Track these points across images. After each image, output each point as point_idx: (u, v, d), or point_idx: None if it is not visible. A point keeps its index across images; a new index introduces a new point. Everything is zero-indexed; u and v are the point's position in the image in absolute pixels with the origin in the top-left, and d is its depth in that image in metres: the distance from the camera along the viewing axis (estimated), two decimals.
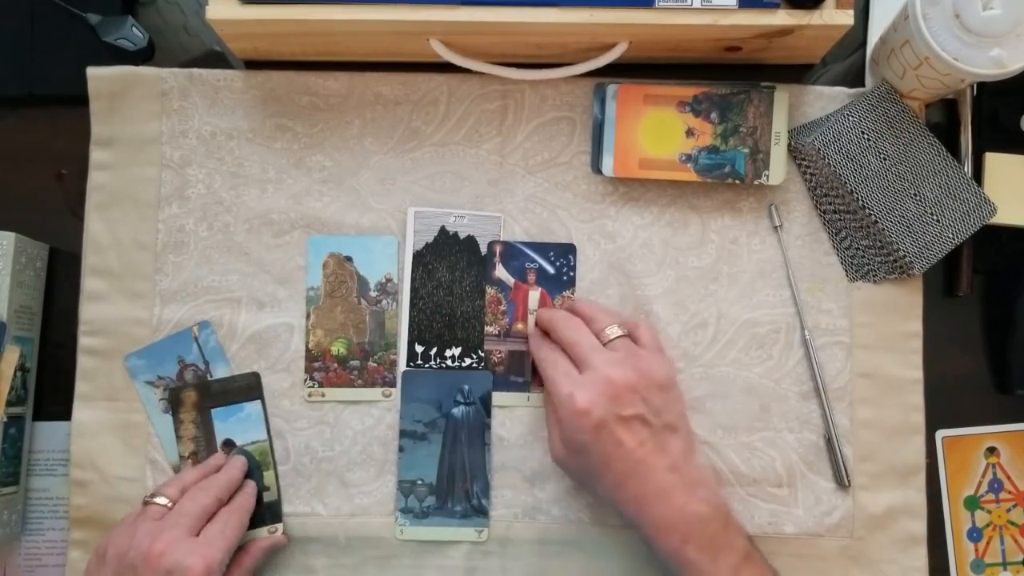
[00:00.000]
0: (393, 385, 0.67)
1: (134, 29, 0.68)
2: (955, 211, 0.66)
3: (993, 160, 0.68)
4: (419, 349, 0.67)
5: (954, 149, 0.68)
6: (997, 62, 0.59)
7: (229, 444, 0.66)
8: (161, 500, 0.60)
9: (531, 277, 0.68)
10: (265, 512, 0.65)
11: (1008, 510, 0.69)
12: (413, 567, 0.66)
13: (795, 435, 0.67)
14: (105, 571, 0.57)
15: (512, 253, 0.68)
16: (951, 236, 0.65)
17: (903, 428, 0.67)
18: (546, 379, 0.61)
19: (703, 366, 0.67)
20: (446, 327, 0.68)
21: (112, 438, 0.66)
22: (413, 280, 0.68)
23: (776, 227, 0.67)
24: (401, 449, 0.67)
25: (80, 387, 0.67)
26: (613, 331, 0.61)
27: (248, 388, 0.67)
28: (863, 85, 0.70)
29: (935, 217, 0.65)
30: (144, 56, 0.68)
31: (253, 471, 0.65)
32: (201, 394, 0.66)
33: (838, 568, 0.66)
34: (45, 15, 0.69)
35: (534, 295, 0.68)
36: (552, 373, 0.60)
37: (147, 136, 0.68)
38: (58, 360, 0.68)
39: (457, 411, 0.67)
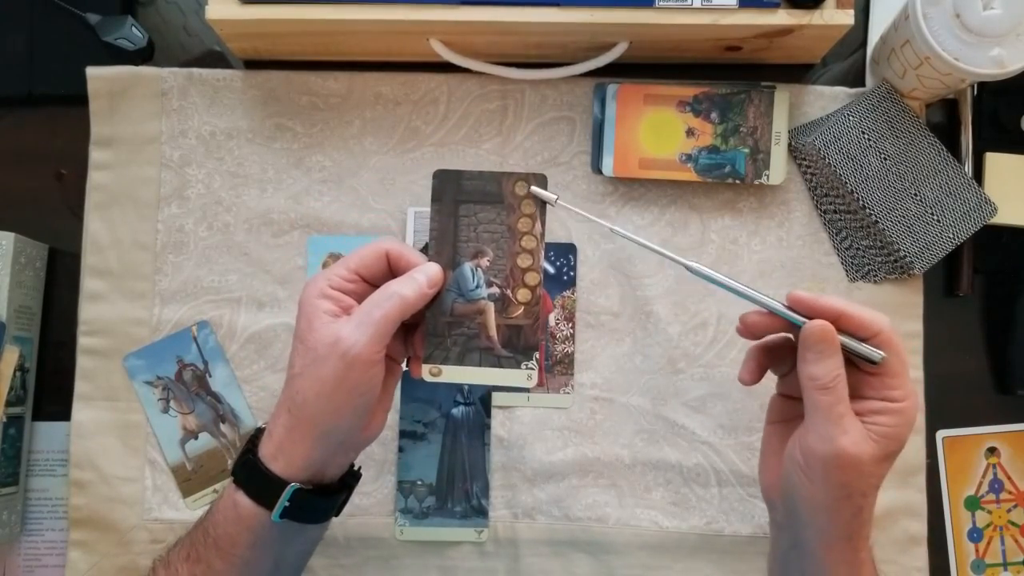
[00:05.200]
0: None
1: (134, 29, 0.68)
2: (955, 211, 0.66)
3: (993, 160, 0.68)
4: None
5: (954, 149, 0.68)
6: (997, 62, 0.59)
7: None
8: None
9: None
10: None
11: (1009, 510, 0.68)
12: (413, 567, 0.66)
13: None
14: None
15: None
16: (951, 236, 0.65)
17: None
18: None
19: (703, 366, 0.67)
20: None
21: (111, 438, 0.66)
22: None
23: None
24: (401, 449, 0.66)
25: (80, 387, 0.67)
26: None
27: None
28: (863, 85, 0.69)
29: (935, 217, 0.65)
30: (144, 56, 0.68)
31: None
32: None
33: None
34: (45, 15, 0.69)
35: None
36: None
37: (147, 136, 0.68)
38: (58, 360, 0.68)
39: (457, 411, 0.67)
